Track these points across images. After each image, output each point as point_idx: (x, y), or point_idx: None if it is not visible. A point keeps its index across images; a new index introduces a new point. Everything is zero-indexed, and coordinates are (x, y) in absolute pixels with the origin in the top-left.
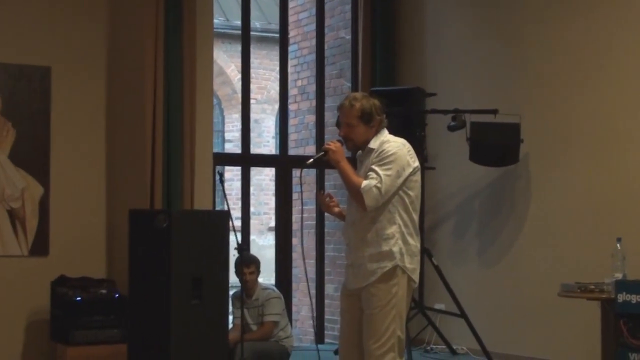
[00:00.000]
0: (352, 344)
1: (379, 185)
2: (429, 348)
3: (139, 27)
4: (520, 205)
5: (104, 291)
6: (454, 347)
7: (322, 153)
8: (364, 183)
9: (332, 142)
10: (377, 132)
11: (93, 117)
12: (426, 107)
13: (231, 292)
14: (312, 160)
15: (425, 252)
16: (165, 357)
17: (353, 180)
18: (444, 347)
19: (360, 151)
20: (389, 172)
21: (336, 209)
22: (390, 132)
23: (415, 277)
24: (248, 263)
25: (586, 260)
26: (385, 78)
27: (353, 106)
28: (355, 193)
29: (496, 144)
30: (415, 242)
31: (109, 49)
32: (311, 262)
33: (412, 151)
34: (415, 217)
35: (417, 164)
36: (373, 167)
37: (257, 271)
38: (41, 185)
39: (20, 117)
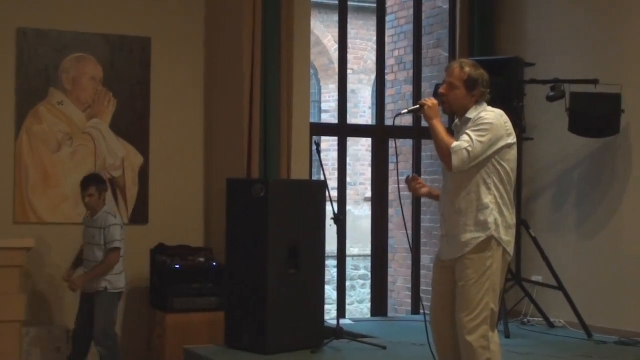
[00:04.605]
0: (444, 316)
1: (469, 148)
2: (525, 320)
3: None
4: (621, 176)
5: (202, 259)
6: (552, 320)
7: (418, 107)
8: (455, 143)
9: (429, 99)
10: (476, 103)
11: (192, 88)
12: (525, 77)
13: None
14: (406, 111)
15: (523, 224)
16: (261, 325)
17: (444, 139)
18: (541, 319)
19: (457, 121)
20: (482, 139)
21: (424, 190)
22: (488, 103)
23: (510, 250)
24: (85, 186)
25: None
26: (484, 48)
27: (463, 69)
28: (444, 152)
29: (596, 115)
30: (510, 215)
31: (208, 20)
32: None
33: (510, 124)
34: (511, 190)
35: (513, 140)
36: (467, 131)
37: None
38: (141, 155)
39: (121, 87)
